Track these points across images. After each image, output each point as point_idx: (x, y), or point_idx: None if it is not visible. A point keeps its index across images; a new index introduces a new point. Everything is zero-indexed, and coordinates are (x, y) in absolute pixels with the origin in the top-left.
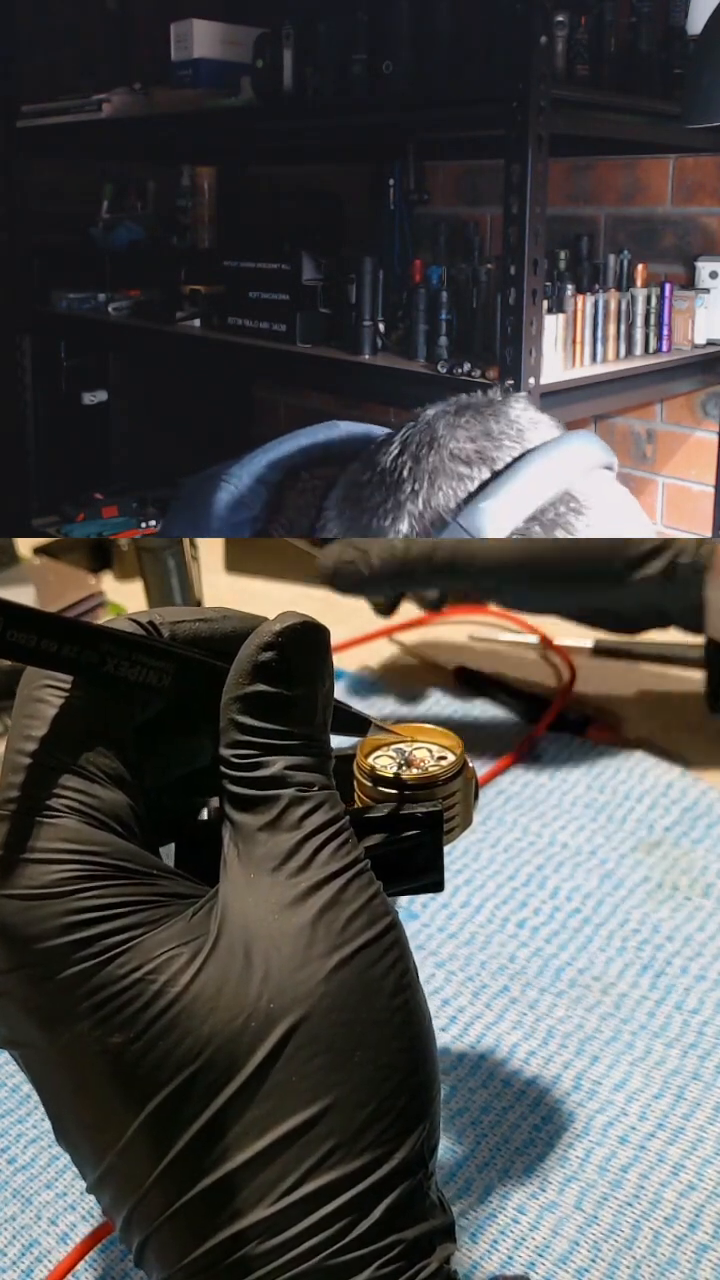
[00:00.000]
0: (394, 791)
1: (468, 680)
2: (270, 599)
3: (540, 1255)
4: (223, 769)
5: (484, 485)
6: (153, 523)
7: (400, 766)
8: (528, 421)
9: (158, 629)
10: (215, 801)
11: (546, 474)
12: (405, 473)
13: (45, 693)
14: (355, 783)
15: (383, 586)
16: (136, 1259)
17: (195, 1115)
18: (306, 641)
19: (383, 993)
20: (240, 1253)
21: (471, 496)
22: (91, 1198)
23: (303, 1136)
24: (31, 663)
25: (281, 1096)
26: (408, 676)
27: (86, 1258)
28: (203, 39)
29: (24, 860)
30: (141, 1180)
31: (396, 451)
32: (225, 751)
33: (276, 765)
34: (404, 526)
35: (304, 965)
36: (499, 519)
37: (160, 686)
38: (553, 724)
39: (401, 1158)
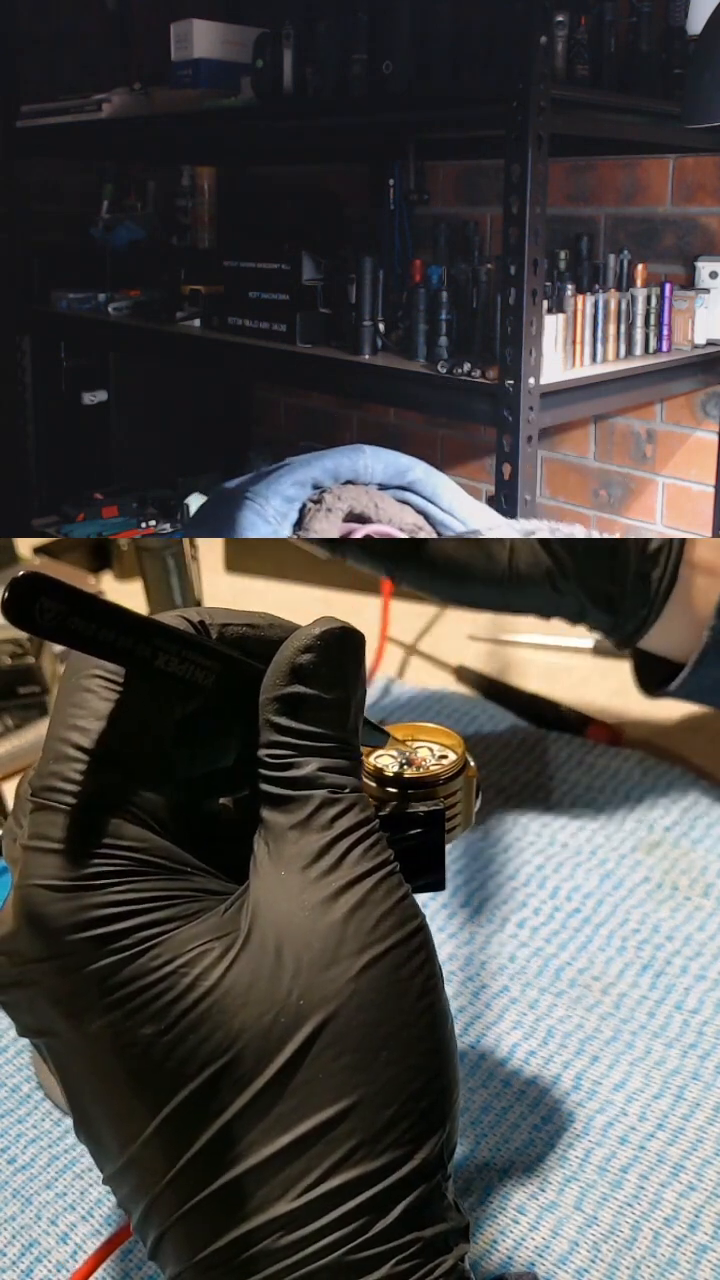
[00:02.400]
0: (396, 790)
1: (468, 679)
2: (270, 599)
3: (540, 1255)
4: (259, 769)
5: None
6: (152, 523)
7: (402, 765)
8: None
9: (207, 629)
10: (219, 800)
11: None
12: None
13: (94, 683)
14: None
15: None
16: (151, 1252)
17: (222, 1109)
18: (344, 646)
19: (410, 994)
20: (259, 1247)
21: None
22: (91, 1198)
23: (327, 1134)
24: (87, 651)
25: (307, 1093)
26: (407, 675)
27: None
28: (203, 39)
29: (61, 851)
30: (163, 1172)
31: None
32: (261, 751)
33: (310, 766)
34: None
35: (334, 964)
36: None
37: (204, 685)
38: (553, 724)
39: (422, 1159)
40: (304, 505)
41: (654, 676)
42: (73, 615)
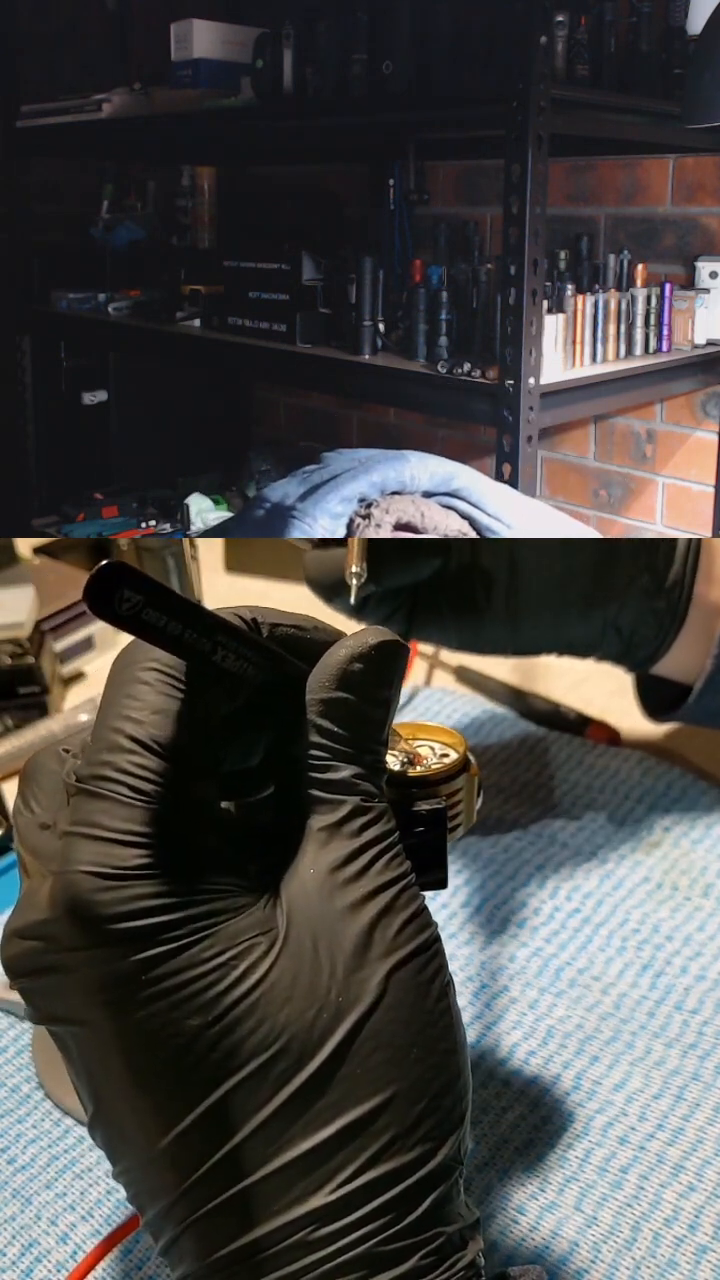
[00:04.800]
0: (398, 789)
1: (468, 679)
2: (270, 599)
3: (540, 1256)
4: (307, 770)
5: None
6: (152, 523)
7: (404, 764)
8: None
9: (259, 626)
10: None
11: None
12: None
13: (150, 675)
14: None
15: None
16: (163, 1249)
17: (264, 1102)
18: (394, 661)
19: (430, 996)
20: (293, 1239)
21: None
22: (91, 1198)
23: (367, 1127)
24: (154, 642)
25: (349, 1087)
26: (409, 675)
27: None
28: (203, 39)
29: (112, 840)
30: (194, 1167)
31: None
32: (307, 751)
33: (346, 771)
34: None
35: (364, 965)
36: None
37: (253, 682)
38: (553, 724)
39: (445, 1154)
40: (351, 520)
41: (659, 699)
42: (148, 607)
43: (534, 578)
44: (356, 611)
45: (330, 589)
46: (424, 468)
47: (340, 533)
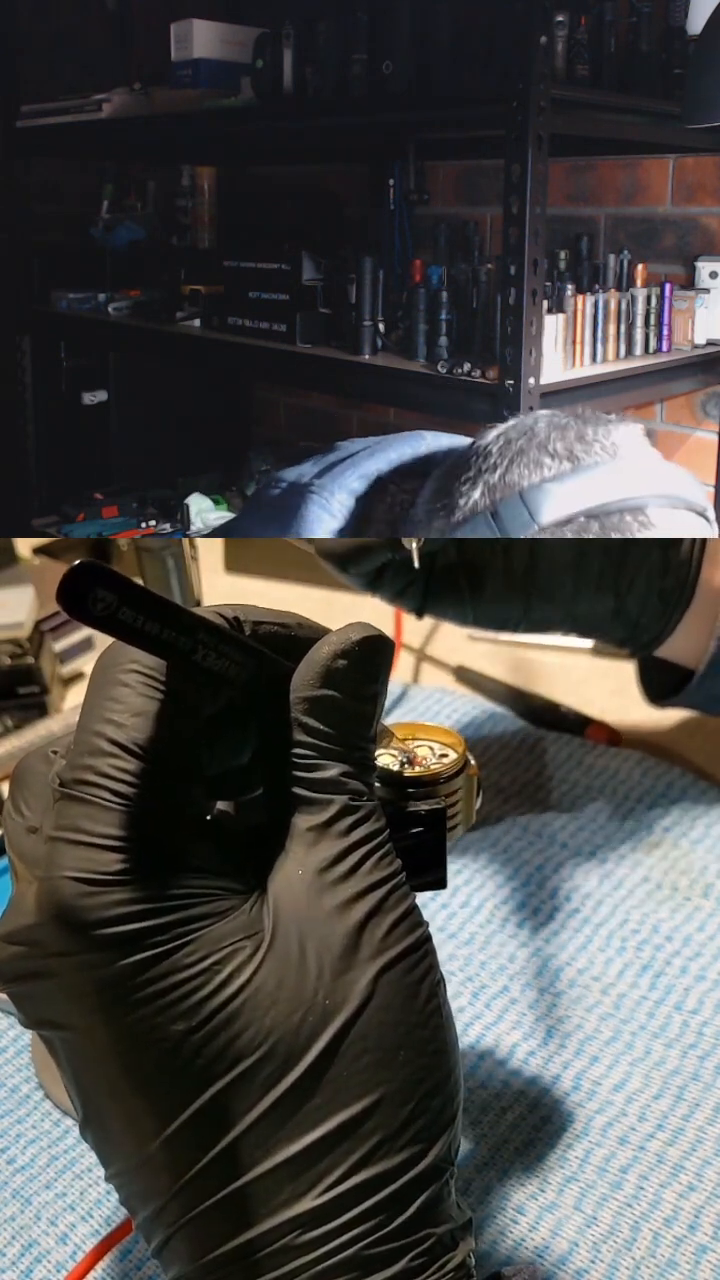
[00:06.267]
0: (397, 789)
1: (468, 679)
2: (270, 599)
3: (540, 1255)
4: (291, 769)
5: (559, 475)
6: (152, 523)
7: (403, 764)
8: (628, 447)
9: (241, 625)
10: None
11: (621, 482)
12: (495, 449)
13: (131, 677)
14: None
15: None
16: (155, 1251)
17: (250, 1106)
18: (378, 655)
19: (420, 997)
20: (276, 1245)
21: (545, 481)
22: (91, 1198)
23: (355, 1130)
24: (131, 642)
25: (334, 1090)
26: (408, 675)
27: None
28: (203, 39)
29: (94, 845)
30: (182, 1171)
31: (495, 435)
32: (292, 750)
33: (333, 770)
34: (476, 494)
35: (353, 966)
36: (559, 501)
37: (237, 681)
38: (553, 724)
39: (435, 1155)
40: (367, 498)
41: (660, 684)
42: (123, 606)
43: (551, 554)
44: (371, 585)
45: (343, 558)
46: (439, 445)
47: (357, 510)
